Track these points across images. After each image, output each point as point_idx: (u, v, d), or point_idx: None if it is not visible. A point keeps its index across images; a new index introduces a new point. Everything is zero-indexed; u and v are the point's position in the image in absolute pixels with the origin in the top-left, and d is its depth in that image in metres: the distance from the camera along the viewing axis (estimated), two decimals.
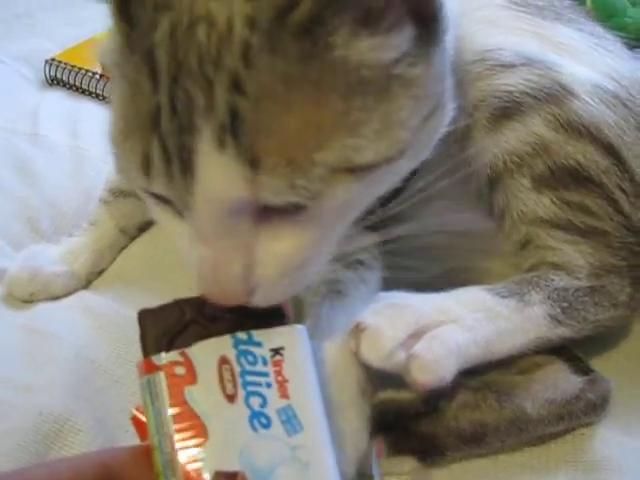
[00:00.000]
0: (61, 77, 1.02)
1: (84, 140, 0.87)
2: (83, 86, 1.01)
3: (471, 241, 0.66)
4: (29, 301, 0.68)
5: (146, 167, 0.40)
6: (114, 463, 0.42)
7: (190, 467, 0.40)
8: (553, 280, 0.57)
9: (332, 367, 0.51)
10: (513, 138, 0.59)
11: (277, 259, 0.43)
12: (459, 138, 0.63)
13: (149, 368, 0.43)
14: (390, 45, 0.41)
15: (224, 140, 0.37)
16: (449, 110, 0.50)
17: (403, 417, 0.54)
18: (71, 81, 1.01)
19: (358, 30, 0.40)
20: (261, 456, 0.41)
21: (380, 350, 0.49)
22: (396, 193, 0.67)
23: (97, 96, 1.00)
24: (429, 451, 0.54)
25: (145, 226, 0.76)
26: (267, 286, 0.43)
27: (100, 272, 0.73)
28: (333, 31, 0.38)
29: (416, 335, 0.51)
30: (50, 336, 0.61)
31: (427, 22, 0.44)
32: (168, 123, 0.38)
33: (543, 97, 0.60)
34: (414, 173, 0.67)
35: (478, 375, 0.56)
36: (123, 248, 0.75)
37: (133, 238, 0.76)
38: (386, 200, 0.67)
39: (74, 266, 0.71)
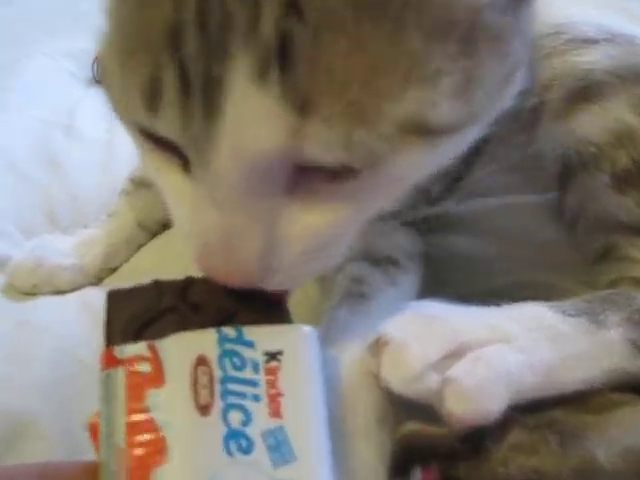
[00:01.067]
0: None
1: (119, 137, 0.82)
2: None
3: (534, 251, 0.55)
4: (31, 293, 0.62)
5: (151, 97, 0.30)
6: (55, 477, 0.35)
7: None
8: (635, 299, 0.45)
9: (344, 386, 0.41)
10: (591, 125, 0.49)
11: (304, 236, 0.34)
12: (525, 126, 0.53)
13: (109, 361, 0.34)
14: None
15: (267, 72, 0.28)
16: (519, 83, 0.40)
17: (436, 457, 0.43)
18: None
19: None
20: None
21: (406, 371, 0.38)
22: (446, 188, 0.58)
23: None
24: None
25: (168, 222, 0.69)
26: (286, 267, 0.35)
27: (114, 269, 0.66)
28: None
29: (454, 355, 0.39)
30: (40, 330, 0.55)
31: None
32: (192, 43, 0.29)
33: (629, 77, 0.49)
34: (469, 164, 0.58)
35: (536, 412, 0.44)
36: (141, 245, 0.68)
37: (153, 235, 0.69)
38: (431, 197, 0.58)
39: (84, 260, 0.64)
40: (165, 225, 0.69)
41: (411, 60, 0.30)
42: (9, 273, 0.62)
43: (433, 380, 0.38)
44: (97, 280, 0.65)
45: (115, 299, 0.38)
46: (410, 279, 0.51)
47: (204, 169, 0.32)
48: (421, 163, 0.34)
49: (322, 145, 0.29)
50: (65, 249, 0.65)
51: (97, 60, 0.98)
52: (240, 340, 0.35)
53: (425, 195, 0.56)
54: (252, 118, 0.29)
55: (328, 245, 0.36)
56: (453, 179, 0.57)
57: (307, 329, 0.36)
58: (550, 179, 0.52)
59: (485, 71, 0.33)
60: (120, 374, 0.34)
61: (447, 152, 0.36)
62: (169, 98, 0.30)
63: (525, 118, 0.53)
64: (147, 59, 0.30)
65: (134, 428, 0.32)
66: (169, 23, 0.29)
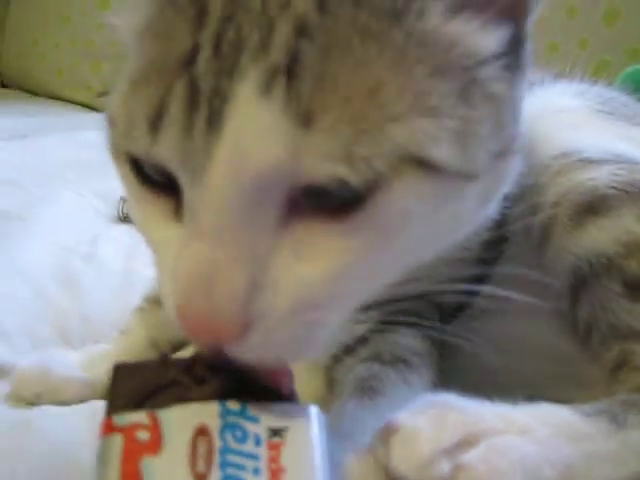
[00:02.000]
0: None
1: (138, 263, 0.84)
2: None
3: (549, 365, 0.54)
4: (34, 403, 0.60)
5: (156, 119, 0.32)
6: None
7: None
8: None
9: (352, 477, 0.38)
10: (600, 236, 0.50)
11: (294, 285, 0.33)
12: (536, 242, 0.55)
13: (107, 429, 0.34)
14: (484, 39, 0.36)
15: (273, 85, 0.30)
16: (515, 168, 0.43)
17: None
18: None
19: (457, 8, 0.35)
20: None
21: (416, 457, 0.35)
22: (460, 301, 0.58)
23: None
24: None
25: (180, 345, 0.68)
26: (272, 323, 0.33)
27: None
28: None
29: (467, 443, 0.37)
30: (37, 430, 0.52)
31: (515, 44, 0.39)
32: (206, 63, 0.31)
33: (635, 192, 0.51)
34: (480, 281, 0.58)
35: None
36: None
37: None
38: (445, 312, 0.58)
39: (92, 374, 0.63)
40: (177, 347, 0.68)
41: (414, 89, 0.32)
42: (14, 380, 0.60)
43: (445, 468, 0.36)
44: (104, 396, 0.63)
45: (121, 371, 0.38)
46: (422, 379, 0.49)
47: (198, 189, 0.32)
48: (422, 201, 0.34)
49: (322, 157, 0.30)
50: (73, 362, 0.63)
51: (122, 199, 1.03)
52: (244, 415, 0.34)
53: (438, 305, 0.56)
54: (254, 130, 0.30)
55: (321, 305, 0.34)
56: (465, 293, 0.58)
57: (313, 408, 0.36)
58: (562, 293, 0.52)
59: (484, 130, 0.35)
60: (117, 440, 0.33)
61: (450, 208, 0.37)
62: (173, 115, 0.32)
63: (535, 236, 0.55)
64: (159, 83, 0.32)
65: None
66: (186, 48, 0.32)
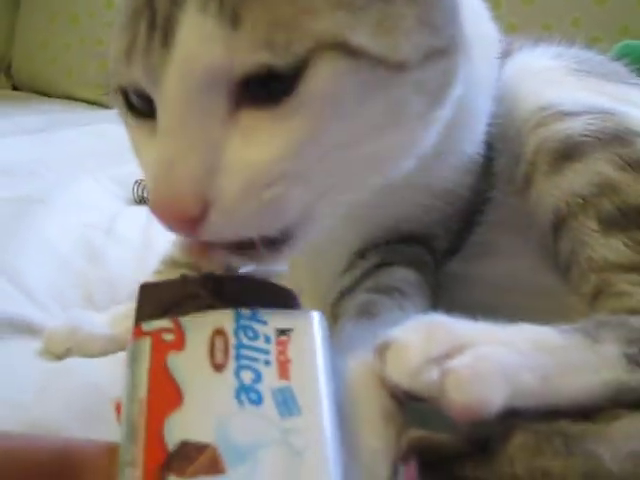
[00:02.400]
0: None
1: (155, 236, 0.89)
2: None
3: (534, 299, 0.59)
4: (64, 358, 0.65)
5: (129, 50, 0.40)
6: (77, 452, 0.38)
7: (154, 433, 0.35)
8: (628, 319, 0.48)
9: (351, 385, 0.43)
10: (576, 179, 0.55)
11: (245, 167, 0.39)
12: (520, 188, 0.60)
13: (137, 334, 0.39)
14: None
15: (208, 3, 0.37)
16: (459, 68, 0.47)
17: (444, 458, 0.44)
18: None
19: None
20: (242, 433, 0.35)
21: (407, 365, 0.41)
22: (452, 245, 0.64)
23: None
24: None
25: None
26: (227, 203, 0.39)
27: None
28: None
29: (454, 353, 0.42)
30: (72, 372, 0.58)
31: None
32: (162, 5, 0.39)
33: (606, 138, 0.56)
34: (470, 223, 0.63)
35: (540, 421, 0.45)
36: None
37: None
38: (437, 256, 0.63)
39: (116, 330, 0.68)
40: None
41: None
42: (45, 337, 0.66)
43: (434, 374, 0.40)
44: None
45: (146, 289, 0.43)
46: (415, 306, 0.54)
47: (160, 95, 0.39)
48: (347, 84, 0.39)
49: (249, 49, 0.37)
50: (99, 321, 0.69)
51: (136, 183, 1.08)
52: (255, 318, 0.40)
53: (432, 250, 0.61)
54: (195, 38, 0.38)
55: (273, 184, 0.39)
56: (456, 238, 0.63)
57: (315, 313, 0.41)
58: (544, 231, 0.57)
59: (407, 25, 0.41)
60: (146, 342, 0.38)
61: (379, 93, 0.41)
62: (139, 44, 0.40)
63: (519, 182, 0.60)
64: (131, 25, 0.40)
65: (154, 382, 0.37)
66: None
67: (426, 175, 0.54)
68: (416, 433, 0.44)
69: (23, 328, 0.67)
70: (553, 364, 0.44)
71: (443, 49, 0.44)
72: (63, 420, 0.49)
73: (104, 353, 0.66)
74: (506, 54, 0.70)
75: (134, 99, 0.43)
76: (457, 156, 0.58)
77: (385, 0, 0.41)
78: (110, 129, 1.45)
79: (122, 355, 0.63)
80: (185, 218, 0.39)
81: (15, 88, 2.23)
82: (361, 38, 0.39)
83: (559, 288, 0.57)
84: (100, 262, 0.83)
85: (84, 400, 0.53)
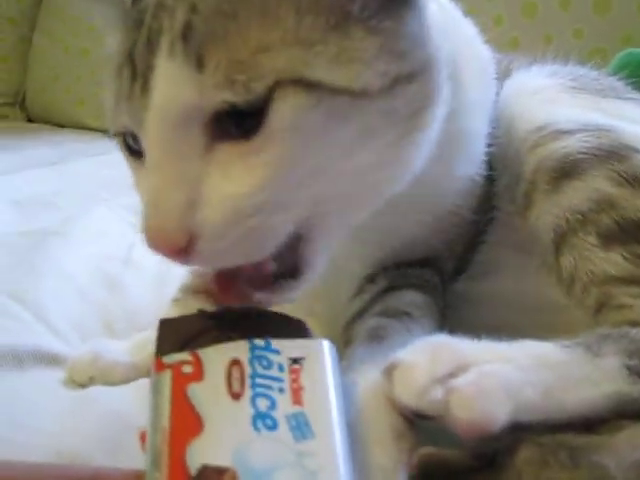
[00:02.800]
0: None
1: (171, 264, 0.91)
2: None
3: (540, 315, 0.61)
4: (87, 386, 0.67)
5: (117, 98, 0.44)
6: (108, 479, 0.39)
7: (176, 459, 0.37)
8: (629, 332, 0.50)
9: (362, 405, 0.45)
10: (575, 196, 0.57)
11: (225, 200, 0.41)
12: (521, 207, 0.62)
13: (158, 367, 0.42)
14: None
15: (175, 47, 0.41)
16: (437, 88, 0.49)
17: (454, 474, 0.45)
18: None
19: None
20: (259, 457, 0.37)
21: (414, 385, 0.43)
22: (458, 265, 0.65)
23: None
24: None
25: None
26: (211, 234, 0.42)
27: None
28: None
29: (458, 372, 0.43)
30: (95, 401, 0.60)
31: None
32: (140, 49, 0.43)
33: (603, 155, 0.58)
34: (475, 244, 0.65)
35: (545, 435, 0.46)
36: None
37: None
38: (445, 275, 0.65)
39: (137, 358, 0.70)
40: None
41: (282, 26, 0.41)
42: (69, 366, 0.68)
43: (439, 393, 0.42)
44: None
45: (165, 324, 0.46)
46: (423, 328, 0.56)
47: (144, 137, 0.43)
48: (314, 120, 0.42)
49: (213, 88, 0.40)
50: (120, 349, 0.71)
51: None
52: (268, 348, 0.42)
53: (439, 271, 0.63)
54: (166, 79, 0.41)
55: (252, 215, 0.42)
56: (463, 257, 0.65)
57: (326, 342, 0.43)
58: (545, 248, 0.59)
59: (369, 56, 0.43)
60: (167, 375, 0.41)
61: (349, 122, 0.43)
62: (123, 91, 0.44)
63: (520, 201, 0.62)
64: (118, 75, 0.45)
65: (176, 412, 0.39)
66: (130, 44, 0.44)
67: (429, 198, 0.56)
68: (426, 450, 0.46)
69: (46, 359, 0.69)
70: (555, 379, 0.46)
71: (412, 73, 0.46)
72: (89, 449, 0.51)
73: (126, 381, 0.68)
74: (505, 74, 0.73)
75: (130, 141, 0.47)
76: (456, 178, 0.59)
77: (341, 34, 0.43)
78: (121, 158, 1.49)
79: (143, 382, 0.66)
80: (173, 249, 0.42)
81: (30, 120, 2.28)
82: (318, 72, 0.41)
83: (563, 303, 0.58)
84: (119, 291, 0.85)
85: (108, 429, 0.55)
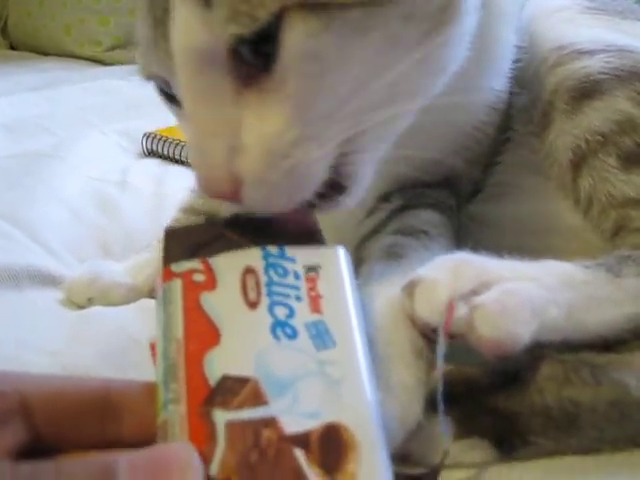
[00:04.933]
0: (157, 149, 1.07)
1: (167, 188, 0.90)
2: (176, 157, 1.05)
3: (556, 238, 0.59)
4: (86, 307, 0.66)
5: (146, 48, 0.43)
6: (118, 391, 0.38)
7: (194, 370, 0.35)
8: None
9: (382, 321, 0.44)
10: (595, 117, 0.55)
11: (260, 143, 0.40)
12: (538, 128, 0.60)
13: (167, 276, 0.39)
14: None
15: None
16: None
17: (474, 390, 0.44)
18: (166, 152, 1.06)
19: None
20: (281, 366, 0.36)
21: (436, 302, 0.41)
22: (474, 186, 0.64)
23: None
24: (507, 434, 0.43)
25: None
26: (255, 177, 0.41)
27: None
28: None
29: (481, 289, 0.42)
30: (97, 318, 0.59)
31: None
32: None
33: (624, 75, 0.56)
34: (491, 165, 0.63)
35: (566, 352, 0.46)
36: None
37: None
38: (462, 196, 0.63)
39: (137, 279, 0.69)
40: None
41: None
42: (67, 287, 0.67)
43: (462, 310, 0.41)
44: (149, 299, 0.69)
45: (171, 233, 0.44)
46: (441, 247, 0.54)
47: (177, 85, 0.41)
48: (328, 43, 0.39)
49: (221, 23, 0.38)
50: (119, 270, 0.69)
51: (145, 136, 1.08)
52: (282, 256, 0.40)
53: (456, 193, 0.62)
54: (182, 22, 0.39)
55: (289, 154, 0.40)
56: (479, 179, 0.63)
57: (340, 249, 0.41)
58: (563, 170, 0.57)
59: None
60: (177, 283, 0.39)
61: (367, 38, 0.40)
62: (149, 38, 0.43)
63: (537, 122, 0.60)
64: (143, 26, 0.43)
65: (190, 321, 0.37)
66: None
67: (456, 113, 0.54)
68: (446, 367, 0.45)
69: (42, 279, 0.68)
70: (578, 299, 0.45)
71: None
72: (95, 364, 0.50)
73: (125, 302, 0.66)
74: None
75: (164, 86, 0.45)
76: (485, 91, 0.57)
77: None
78: (113, 85, 1.45)
79: (143, 303, 0.64)
80: (224, 195, 0.42)
81: (12, 47, 2.21)
82: None
83: (579, 226, 0.57)
84: (115, 214, 0.83)
85: (114, 344, 0.54)
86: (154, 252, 0.72)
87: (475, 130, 0.58)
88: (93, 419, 0.37)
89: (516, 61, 0.60)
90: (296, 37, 0.38)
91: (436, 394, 0.42)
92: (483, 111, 0.58)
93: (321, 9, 0.38)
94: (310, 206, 0.44)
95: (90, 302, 0.66)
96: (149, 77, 0.46)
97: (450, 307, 0.41)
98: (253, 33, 0.38)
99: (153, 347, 0.39)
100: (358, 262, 0.56)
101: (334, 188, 0.44)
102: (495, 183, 0.63)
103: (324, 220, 0.61)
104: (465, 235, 0.60)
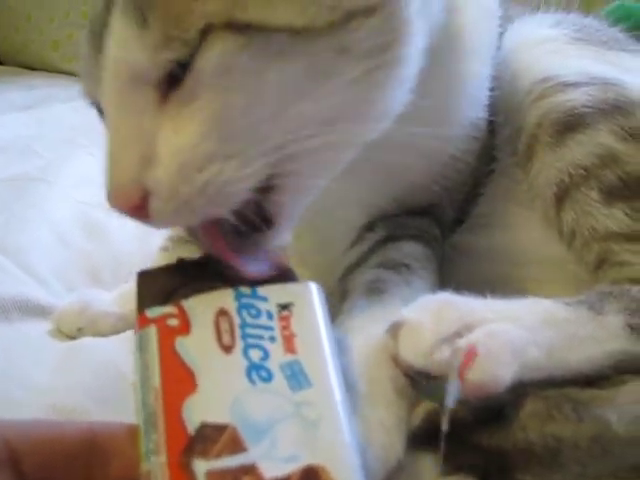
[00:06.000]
0: None
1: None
2: None
3: (539, 270, 0.60)
4: (75, 337, 0.66)
5: (82, 66, 0.45)
6: (104, 435, 0.38)
7: (173, 419, 0.36)
8: (630, 290, 0.50)
9: (362, 360, 0.45)
10: (579, 151, 0.56)
11: (173, 154, 0.40)
12: (522, 160, 0.61)
13: (142, 322, 0.40)
14: None
15: (127, 5, 0.40)
16: (407, 23, 0.44)
17: (459, 427, 0.44)
18: None
19: None
20: (258, 410, 0.36)
21: (421, 345, 0.42)
22: (458, 215, 0.65)
23: None
24: (493, 471, 0.44)
25: None
26: (163, 190, 0.40)
27: None
28: None
29: (464, 331, 0.43)
30: (86, 352, 0.59)
31: None
32: (100, 7, 0.42)
33: (608, 109, 0.57)
34: (475, 195, 0.64)
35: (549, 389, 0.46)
36: None
37: None
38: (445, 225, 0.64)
39: (125, 308, 0.69)
40: None
41: None
42: (56, 317, 0.67)
43: (445, 352, 0.42)
44: None
45: (144, 276, 0.44)
46: (423, 281, 0.55)
47: (100, 97, 0.42)
48: (247, 60, 0.39)
49: (155, 49, 0.39)
50: (107, 300, 0.69)
51: None
52: (255, 296, 0.40)
53: (439, 221, 0.62)
54: (116, 38, 0.40)
55: (202, 168, 0.40)
56: (462, 208, 0.64)
57: (312, 284, 0.42)
58: (547, 202, 0.58)
59: None
60: (152, 330, 0.39)
61: (291, 61, 0.40)
62: (85, 56, 0.44)
63: (521, 154, 0.61)
64: (83, 42, 0.44)
65: (166, 369, 0.37)
66: (95, 11, 0.43)
67: (428, 141, 0.55)
68: (428, 406, 0.46)
69: (31, 310, 0.68)
70: (559, 337, 0.46)
71: (370, 7, 0.42)
72: (83, 401, 0.50)
73: (115, 331, 0.67)
74: (506, 19, 0.71)
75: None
76: (457, 121, 0.58)
77: None
78: None
79: (130, 333, 0.64)
80: (129, 206, 0.41)
81: (0, 62, 2.20)
82: (251, 12, 0.39)
83: (563, 258, 0.58)
84: (102, 238, 0.83)
85: (100, 379, 0.54)
86: None
87: (453, 159, 0.59)
88: (81, 464, 0.37)
89: (493, 89, 0.60)
90: (211, 53, 0.39)
91: (417, 432, 0.43)
92: (460, 140, 0.59)
93: (244, 30, 0.39)
94: (235, 232, 0.43)
95: (80, 332, 0.66)
96: (91, 100, 0.47)
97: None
98: (188, 57, 0.39)
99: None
100: (342, 295, 0.56)
101: (262, 220, 0.44)
102: (478, 214, 0.64)
103: (309, 250, 0.61)
104: (448, 265, 0.61)
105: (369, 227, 0.61)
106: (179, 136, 0.40)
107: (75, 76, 1.63)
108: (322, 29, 0.40)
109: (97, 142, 1.14)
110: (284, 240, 0.49)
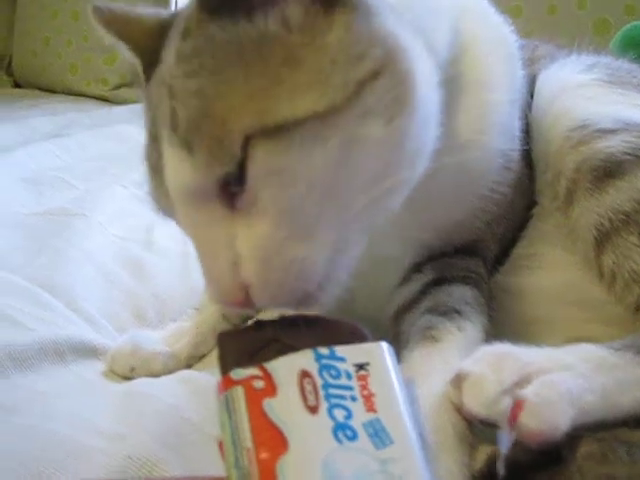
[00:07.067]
0: None
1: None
2: None
3: (579, 310, 0.62)
4: (128, 377, 0.68)
5: (151, 191, 0.51)
6: None
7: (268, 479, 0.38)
8: None
9: (427, 410, 0.48)
10: (618, 197, 0.58)
11: (254, 249, 0.45)
12: (562, 204, 0.63)
13: (227, 384, 0.42)
14: (266, 19, 0.45)
15: (172, 136, 0.45)
16: (412, 71, 0.48)
17: (518, 470, 0.47)
18: None
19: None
20: (346, 469, 0.38)
21: (484, 397, 0.46)
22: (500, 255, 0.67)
23: None
24: None
25: (247, 317, 0.76)
26: (258, 281, 0.45)
27: (201, 357, 0.73)
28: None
29: (523, 382, 0.46)
30: (145, 396, 0.61)
31: None
32: (151, 143, 0.49)
33: None
34: (515, 238, 0.66)
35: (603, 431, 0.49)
36: None
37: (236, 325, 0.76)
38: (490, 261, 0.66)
39: (175, 347, 0.71)
40: (245, 319, 0.76)
41: (234, 88, 0.44)
42: (109, 358, 0.68)
43: (507, 403, 0.45)
44: (187, 367, 0.71)
45: (225, 338, 0.46)
46: (475, 328, 0.57)
47: (175, 215, 0.49)
48: (290, 156, 0.44)
49: (206, 169, 0.44)
50: (157, 339, 0.72)
51: None
52: (333, 356, 0.43)
53: (484, 260, 0.65)
54: (172, 167, 0.46)
55: (284, 252, 0.45)
56: (503, 247, 0.66)
57: (385, 344, 0.44)
58: (587, 246, 0.60)
59: (323, 76, 0.44)
60: (239, 391, 0.41)
61: (331, 142, 0.44)
62: (150, 185, 0.51)
63: (561, 198, 0.63)
64: (145, 172, 0.52)
65: (257, 430, 0.39)
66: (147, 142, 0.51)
67: (464, 175, 0.58)
68: (488, 450, 0.49)
69: (84, 351, 0.70)
70: (611, 382, 0.49)
71: (376, 70, 0.45)
72: (155, 449, 0.52)
73: (166, 371, 0.69)
74: (532, 61, 0.73)
75: None
76: (492, 152, 0.60)
77: (291, 66, 0.44)
78: (125, 130, 1.47)
79: (183, 375, 0.67)
80: (237, 302, 0.47)
81: (17, 85, 2.23)
82: (281, 112, 0.43)
83: (603, 299, 0.60)
84: (143, 275, 0.86)
85: (165, 425, 0.56)
86: (189, 320, 0.75)
87: (490, 191, 0.62)
88: None
89: (524, 118, 0.65)
90: (258, 159, 0.43)
91: (478, 476, 0.46)
92: (494, 171, 0.61)
93: (279, 129, 0.43)
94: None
95: (133, 372, 0.68)
96: (163, 213, 0.52)
97: (518, 404, 0.44)
98: (236, 168, 0.44)
99: (221, 445, 0.42)
100: (394, 336, 0.59)
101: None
102: (520, 255, 0.66)
103: (356, 289, 0.63)
104: (494, 304, 0.64)
105: (417, 268, 0.64)
106: (255, 233, 0.45)
107: (92, 97, 1.67)
108: (342, 104, 0.44)
109: (125, 170, 1.18)
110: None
